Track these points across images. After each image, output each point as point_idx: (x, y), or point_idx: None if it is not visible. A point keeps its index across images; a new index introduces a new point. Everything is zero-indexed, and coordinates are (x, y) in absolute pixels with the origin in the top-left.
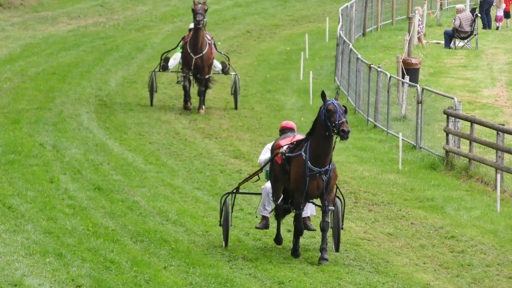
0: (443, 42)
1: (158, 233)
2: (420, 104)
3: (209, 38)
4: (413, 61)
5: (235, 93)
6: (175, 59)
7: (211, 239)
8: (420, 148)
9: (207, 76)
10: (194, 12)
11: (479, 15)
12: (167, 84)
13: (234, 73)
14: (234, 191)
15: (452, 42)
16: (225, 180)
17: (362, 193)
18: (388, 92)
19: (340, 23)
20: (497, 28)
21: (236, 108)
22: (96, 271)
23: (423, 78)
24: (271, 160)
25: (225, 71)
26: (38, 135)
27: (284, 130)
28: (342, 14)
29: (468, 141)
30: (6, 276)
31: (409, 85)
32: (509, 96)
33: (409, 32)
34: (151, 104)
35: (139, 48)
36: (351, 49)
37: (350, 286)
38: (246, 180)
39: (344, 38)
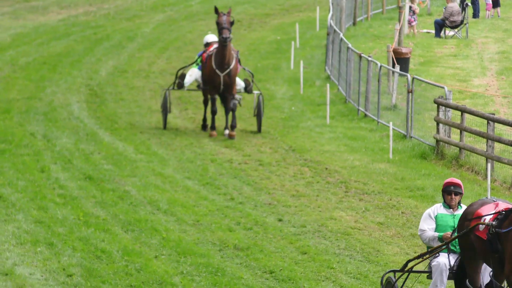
0: (433, 31)
1: (149, 222)
2: (410, 94)
3: (234, 51)
4: (404, 50)
5: (258, 115)
6: (191, 75)
7: (202, 228)
8: (411, 137)
9: (236, 95)
10: (220, 26)
11: (469, 4)
12: (157, 73)
13: (258, 91)
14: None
15: (442, 32)
16: (216, 169)
17: (352, 183)
18: (378, 81)
19: (331, 13)
20: (487, 16)
21: (259, 131)
22: (87, 260)
23: (414, 67)
24: (467, 233)
25: (248, 89)
26: (28, 125)
27: (448, 187)
28: (332, 4)
29: (458, 130)
30: None
31: (400, 75)
32: (499, 85)
33: (399, 21)
34: (164, 127)
35: (130, 38)
36: (341, 38)
37: (341, 275)
38: (422, 258)
39: (335, 27)
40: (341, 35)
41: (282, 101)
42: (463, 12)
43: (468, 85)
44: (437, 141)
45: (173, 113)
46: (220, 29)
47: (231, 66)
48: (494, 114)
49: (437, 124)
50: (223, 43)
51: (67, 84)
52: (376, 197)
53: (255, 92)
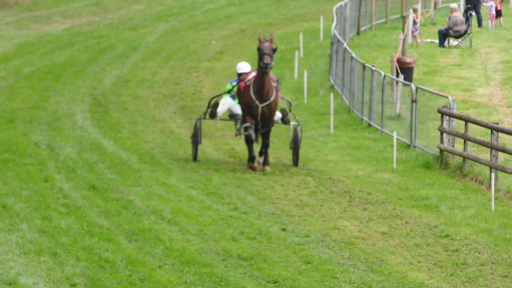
0: (437, 41)
1: (152, 232)
2: (414, 103)
3: (274, 80)
4: (407, 60)
5: (295, 148)
6: (224, 104)
7: (206, 238)
8: (415, 147)
9: (272, 128)
10: (261, 52)
11: (473, 14)
12: (161, 83)
13: (296, 123)
14: None
15: (446, 41)
16: (220, 179)
17: (356, 192)
18: (382, 91)
19: (335, 22)
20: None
21: (296, 165)
22: (90, 270)
23: (418, 77)
24: None
25: (285, 120)
26: (32, 134)
27: None
28: (336, 13)
29: (462, 140)
30: (0, 275)
31: (404, 84)
32: (503, 95)
33: (403, 31)
34: (195, 159)
35: (134, 47)
36: (345, 48)
37: (344, 285)
38: None
39: (339, 37)
40: (345, 44)
41: None
42: (467, 22)
43: (472, 94)
44: (441, 150)
45: (176, 122)
46: (261, 55)
47: (271, 98)
48: (498, 123)
49: (441, 134)
50: (263, 69)
51: (71, 93)
52: (380, 207)
53: (292, 123)
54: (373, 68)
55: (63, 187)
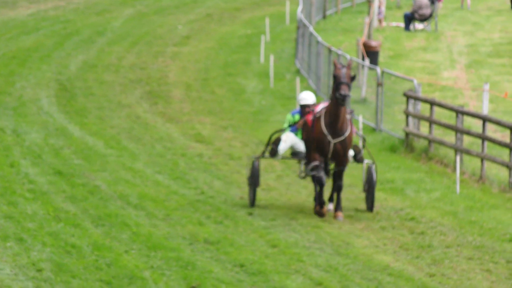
0: (403, 24)
1: (119, 217)
2: (380, 87)
3: (347, 112)
4: (373, 43)
5: (369, 189)
6: (285, 141)
7: (172, 222)
8: (380, 130)
9: (346, 167)
10: (338, 80)
11: None
12: (127, 68)
13: (370, 161)
14: None
15: (412, 25)
16: (186, 164)
17: None
18: None
19: (300, 6)
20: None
21: (370, 210)
22: (57, 256)
23: (383, 60)
24: None
25: (358, 158)
26: None
27: None
28: None
29: (427, 123)
30: None
31: (369, 68)
32: (468, 78)
33: (369, 14)
34: (252, 204)
35: (99, 32)
36: (311, 32)
37: (310, 268)
38: None
39: (304, 21)
40: (311, 28)
41: (252, 95)
42: (432, 5)
43: (438, 78)
44: (407, 134)
45: (143, 107)
46: (337, 83)
47: (346, 133)
48: (463, 107)
49: (407, 117)
50: (340, 101)
51: (37, 79)
52: (346, 190)
53: (366, 161)
54: (339, 52)
55: (29, 172)
